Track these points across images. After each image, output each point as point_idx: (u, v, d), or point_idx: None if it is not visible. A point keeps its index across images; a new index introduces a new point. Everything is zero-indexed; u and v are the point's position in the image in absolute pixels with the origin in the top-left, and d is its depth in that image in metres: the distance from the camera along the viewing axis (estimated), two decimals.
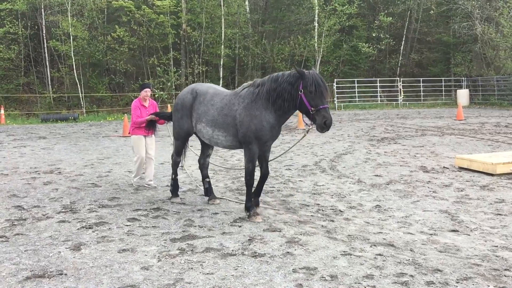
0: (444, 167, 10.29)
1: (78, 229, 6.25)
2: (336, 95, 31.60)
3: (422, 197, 7.73)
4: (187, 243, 5.63)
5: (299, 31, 35.34)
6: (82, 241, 5.73)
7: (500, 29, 30.25)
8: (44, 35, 31.93)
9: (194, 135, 7.68)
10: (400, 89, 32.50)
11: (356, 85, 32.69)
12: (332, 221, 6.48)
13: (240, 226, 6.28)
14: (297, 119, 20.19)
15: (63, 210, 7.19)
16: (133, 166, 9.63)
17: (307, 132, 7.01)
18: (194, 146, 11.08)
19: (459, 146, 13.32)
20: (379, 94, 33.26)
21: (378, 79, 33.89)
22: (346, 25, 33.79)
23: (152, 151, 9.10)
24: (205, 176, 7.85)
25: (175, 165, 7.94)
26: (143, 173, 9.18)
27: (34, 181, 9.56)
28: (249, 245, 5.54)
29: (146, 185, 8.96)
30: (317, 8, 33.39)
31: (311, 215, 6.79)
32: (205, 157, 7.94)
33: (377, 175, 9.55)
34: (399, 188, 8.36)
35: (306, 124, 6.55)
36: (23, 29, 31.64)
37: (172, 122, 7.97)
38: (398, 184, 8.73)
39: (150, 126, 8.75)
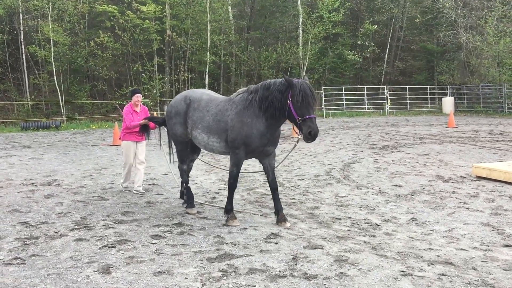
0: (461, 176, 10.02)
1: (99, 248, 5.68)
2: (323, 103, 31.42)
3: (455, 208, 7.40)
4: (227, 263, 5.13)
5: (284, 38, 35.14)
6: (109, 263, 5.18)
7: (485, 37, 30.57)
8: (22, 40, 30.82)
9: None
10: (386, 96, 32.53)
11: (343, 92, 32.58)
12: (373, 236, 6.07)
13: (276, 243, 5.81)
14: (289, 126, 19.84)
15: (76, 227, 6.59)
16: (121, 171, 9.37)
17: (297, 142, 6.96)
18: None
19: (464, 155, 13.13)
20: (366, 102, 33.22)
21: (365, 86, 33.87)
22: (331, 32, 33.72)
23: (142, 157, 9.10)
24: (185, 181, 7.74)
25: (182, 173, 7.73)
26: (132, 182, 9.19)
27: (33, 194, 8.89)
28: (295, 264, 5.08)
29: (135, 191, 8.91)
30: (301, 15, 33.27)
31: (348, 230, 6.36)
32: (189, 162, 7.88)
33: (396, 185, 9.21)
34: (426, 199, 8.02)
35: (297, 133, 6.40)
36: (0, 34, 30.50)
37: (162, 128, 8.21)
38: (423, 194, 8.38)
39: (143, 131, 8.67)
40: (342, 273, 4.83)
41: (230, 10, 33.61)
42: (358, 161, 12.38)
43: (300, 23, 33.79)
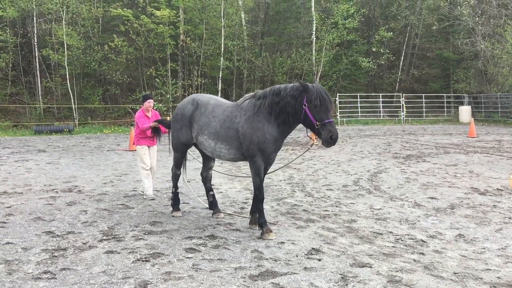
0: (497, 189, 9.60)
1: (133, 262, 5.34)
2: (338, 110, 31.05)
3: (502, 224, 7.00)
4: (271, 282, 4.78)
5: (298, 44, 34.84)
6: (145, 279, 4.83)
7: (504, 45, 30.10)
8: (35, 43, 30.70)
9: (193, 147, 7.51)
10: (402, 104, 32.08)
11: (358, 100, 32.19)
12: (422, 254, 5.69)
13: (319, 260, 5.44)
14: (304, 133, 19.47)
15: (105, 238, 6.26)
16: (141, 178, 9.20)
17: (311, 146, 6.99)
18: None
19: (494, 166, 12.70)
20: (381, 109, 32.80)
21: (380, 94, 33.46)
22: (346, 39, 33.37)
23: (154, 161, 9.17)
24: (208, 189, 7.69)
25: (175, 178, 7.66)
26: (142, 191, 9.09)
27: (55, 201, 8.59)
28: (345, 285, 4.71)
29: (141, 193, 9.08)
30: (314, 22, 32.98)
31: (393, 246, 5.98)
32: (207, 170, 7.70)
33: (432, 198, 8.81)
34: (467, 214, 7.62)
35: (310, 138, 6.29)
36: (13, 37, 30.41)
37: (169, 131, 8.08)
38: (463, 208, 7.98)
39: (154, 134, 8.84)
40: None
41: (243, 15, 33.32)
42: (385, 171, 11.99)
43: (314, 29, 33.50)
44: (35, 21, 30.58)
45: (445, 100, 34.24)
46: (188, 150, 7.74)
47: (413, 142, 19.48)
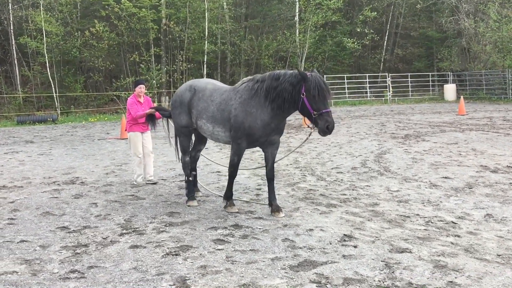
0: (508, 166, 9.56)
1: (162, 256, 5.08)
2: None
3: None
4: (315, 273, 4.58)
5: (283, 26, 34.43)
6: (181, 274, 4.59)
7: (487, 22, 30.20)
8: (11, 31, 29.61)
9: None
10: (388, 84, 32.08)
11: (346, 81, 32.07)
12: (458, 236, 5.55)
13: (355, 247, 5.27)
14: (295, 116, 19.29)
15: (125, 232, 5.98)
16: (133, 165, 9.10)
17: (310, 135, 7.03)
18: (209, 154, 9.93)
19: (494, 143, 12.69)
20: (368, 90, 32.76)
21: (366, 75, 33.38)
22: (331, 20, 33.07)
23: (150, 147, 9.07)
24: (193, 169, 7.72)
25: (185, 165, 7.57)
26: (142, 176, 8.97)
27: (60, 194, 8.23)
28: (392, 272, 4.54)
29: (147, 182, 8.91)
30: (298, 3, 32.57)
31: (425, 229, 5.84)
32: (196, 151, 7.83)
33: (445, 177, 8.71)
34: (487, 192, 7.53)
35: (308, 126, 6.26)
36: None
37: (167, 119, 8.23)
38: (481, 187, 7.89)
39: (149, 121, 8.62)
40: (451, 282, 4.31)
41: None
42: (389, 152, 11.87)
43: (297, 11, 33.11)
44: (10, 8, 29.52)
45: (430, 79, 34.36)
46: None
47: (406, 121, 19.46)
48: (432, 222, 6.10)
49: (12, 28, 29.63)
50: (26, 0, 29.85)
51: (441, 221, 6.16)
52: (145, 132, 8.99)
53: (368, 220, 6.27)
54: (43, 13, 28.18)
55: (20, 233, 6.04)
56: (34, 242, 5.65)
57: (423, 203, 7.05)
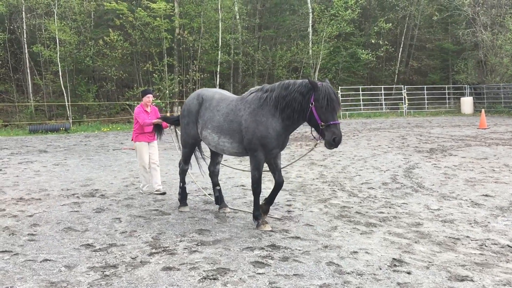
0: None
1: (199, 281, 4.66)
2: (341, 103, 30.50)
3: None
4: None
5: (297, 37, 34.14)
6: None
7: (505, 35, 29.71)
8: (24, 39, 29.51)
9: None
10: (404, 96, 31.60)
11: (360, 92, 31.64)
12: None
13: (409, 273, 4.82)
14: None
15: (154, 251, 5.56)
16: (139, 174, 9.11)
17: (315, 146, 6.92)
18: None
19: None
20: (383, 102, 32.29)
21: (382, 86, 32.94)
22: (346, 31, 32.73)
23: (156, 157, 9.02)
24: (215, 183, 7.59)
25: (183, 173, 7.65)
26: (148, 185, 8.95)
27: (80, 207, 7.84)
28: None
29: (155, 192, 8.82)
30: (311, 14, 32.32)
31: (480, 254, 5.38)
32: (215, 165, 7.62)
33: (485, 195, 8.24)
34: None
35: (314, 137, 6.20)
36: (1, 33, 29.19)
37: (175, 127, 8.29)
38: None
39: (156, 130, 8.57)
40: None
41: (236, 8, 32.22)
42: (417, 167, 11.41)
43: (310, 22, 32.83)
44: (24, 16, 29.44)
45: (446, 91, 33.84)
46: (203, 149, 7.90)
47: (426, 135, 18.98)
48: (486, 246, 5.64)
49: (25, 36, 29.53)
50: (40, 8, 29.75)
51: (495, 244, 5.69)
52: (152, 142, 8.98)
53: (415, 242, 5.81)
54: (57, 22, 28.07)
55: (43, 250, 5.64)
56: (58, 262, 5.25)
57: (470, 223, 6.58)
